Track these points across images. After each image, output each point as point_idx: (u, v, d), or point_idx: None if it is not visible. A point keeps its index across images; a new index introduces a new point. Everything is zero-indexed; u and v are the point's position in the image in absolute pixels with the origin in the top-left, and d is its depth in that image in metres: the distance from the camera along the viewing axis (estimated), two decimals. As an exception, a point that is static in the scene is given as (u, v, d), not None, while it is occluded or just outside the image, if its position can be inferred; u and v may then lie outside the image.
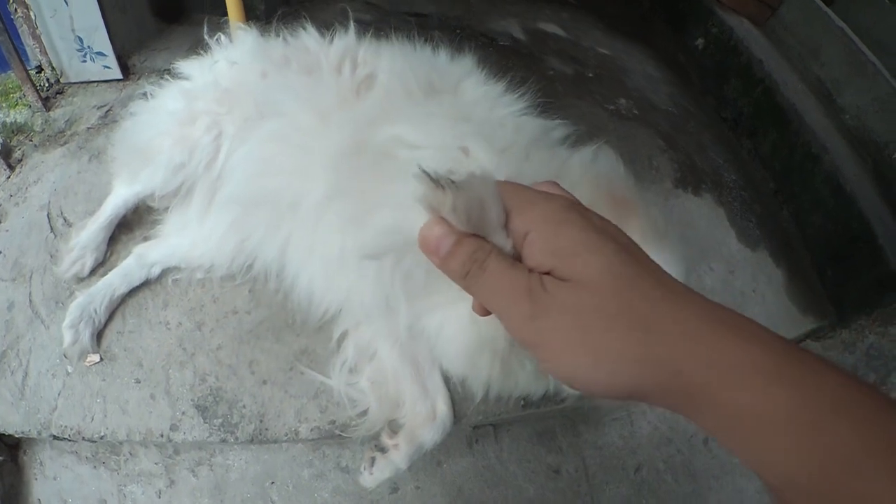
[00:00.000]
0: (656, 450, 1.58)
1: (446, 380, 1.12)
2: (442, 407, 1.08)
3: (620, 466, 1.53)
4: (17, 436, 1.20)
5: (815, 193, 1.70)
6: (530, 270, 0.37)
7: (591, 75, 1.74)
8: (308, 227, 1.02)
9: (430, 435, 1.05)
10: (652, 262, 0.38)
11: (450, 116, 1.00)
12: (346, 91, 1.06)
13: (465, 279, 0.40)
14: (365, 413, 1.08)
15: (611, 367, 0.34)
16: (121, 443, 1.26)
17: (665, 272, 0.37)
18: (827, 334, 1.68)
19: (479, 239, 0.39)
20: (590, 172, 0.98)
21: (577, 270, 0.35)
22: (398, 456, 1.03)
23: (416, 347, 1.09)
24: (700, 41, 2.03)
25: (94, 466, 1.28)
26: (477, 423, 1.40)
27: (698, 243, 1.52)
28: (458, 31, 1.25)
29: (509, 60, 1.19)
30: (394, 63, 1.07)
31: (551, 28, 1.92)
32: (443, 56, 1.13)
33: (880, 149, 1.78)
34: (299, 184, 1.02)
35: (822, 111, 1.80)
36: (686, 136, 1.75)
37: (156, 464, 1.28)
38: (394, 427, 1.08)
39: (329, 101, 1.05)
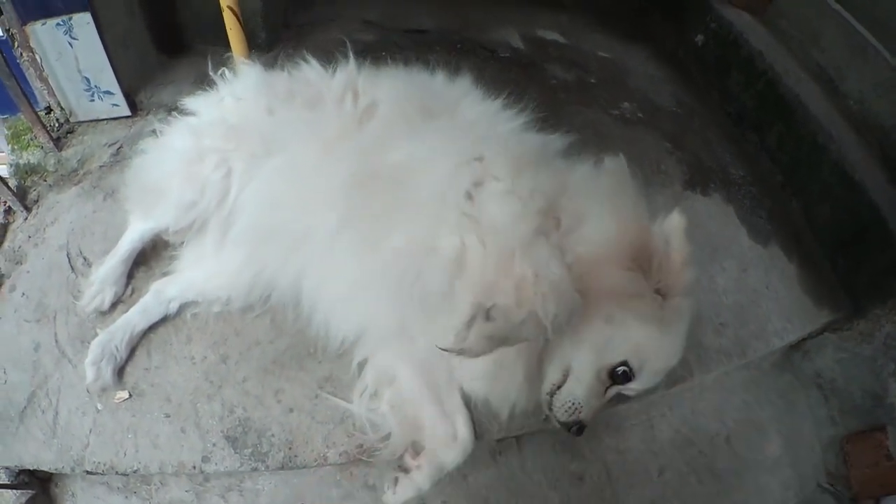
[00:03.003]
0: (679, 452, 1.59)
1: (466, 400, 1.14)
2: (462, 429, 1.10)
3: (643, 470, 1.54)
4: (50, 471, 1.24)
5: (823, 183, 1.70)
6: None
7: (593, 80, 1.75)
8: (320, 259, 1.06)
9: (450, 457, 1.08)
10: None
11: (452, 136, 1.04)
12: (349, 123, 1.09)
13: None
14: (387, 437, 1.11)
15: None
16: (153, 475, 1.29)
17: None
18: (844, 326, 1.69)
19: None
20: (597, 189, 1.00)
21: None
22: (420, 476, 1.06)
23: (435, 370, 1.12)
24: (700, 37, 2.04)
25: (126, 497, 1.31)
26: (500, 437, 1.42)
27: (710, 243, 1.53)
28: (457, 45, 1.27)
29: (511, 72, 1.20)
30: (391, 91, 1.11)
31: (550, 35, 1.93)
32: (440, 78, 1.16)
33: (886, 132, 1.77)
34: (309, 217, 1.05)
35: (825, 99, 1.80)
36: (692, 134, 1.76)
37: (186, 492, 1.31)
38: (417, 448, 1.10)
39: (332, 134, 1.08)
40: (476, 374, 1.04)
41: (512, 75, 1.19)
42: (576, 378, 0.99)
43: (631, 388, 1.01)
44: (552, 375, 1.01)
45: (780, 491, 1.68)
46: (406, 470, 1.09)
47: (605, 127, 1.36)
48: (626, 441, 1.54)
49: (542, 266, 0.88)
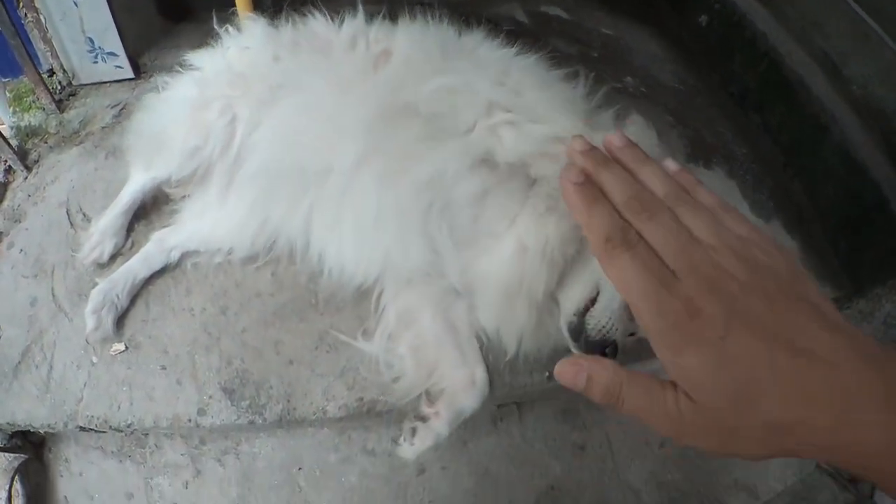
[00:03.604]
0: (680, 426, 1.59)
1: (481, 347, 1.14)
2: (480, 373, 1.09)
3: (644, 442, 1.53)
4: (42, 431, 1.22)
5: (826, 164, 1.71)
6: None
7: (595, 55, 1.77)
8: (334, 197, 1.04)
9: (469, 400, 1.07)
10: None
11: (479, 68, 1.05)
12: (363, 64, 1.09)
13: (609, 405, 0.43)
14: (398, 380, 1.10)
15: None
16: (146, 434, 1.27)
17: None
18: (843, 304, 1.68)
19: (609, 371, 0.43)
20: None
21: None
22: (439, 423, 1.04)
23: (455, 313, 1.11)
24: (703, 18, 2.04)
25: (120, 460, 1.29)
26: (501, 402, 1.41)
27: (713, 214, 1.54)
28: (462, 16, 1.28)
29: (515, 44, 1.22)
30: (406, 39, 1.10)
31: (554, 10, 1.95)
32: (453, 30, 1.16)
33: (888, 117, 1.78)
34: (327, 152, 1.04)
35: (828, 83, 1.80)
36: (694, 111, 1.76)
37: (182, 455, 1.29)
38: (430, 397, 1.09)
39: (347, 74, 1.08)
40: (495, 292, 1.01)
41: (516, 47, 1.20)
42: (612, 292, 0.94)
43: None
44: (578, 294, 0.96)
45: (781, 469, 1.67)
46: (423, 419, 1.07)
47: (609, 99, 1.36)
48: (629, 412, 1.53)
49: None
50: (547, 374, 1.19)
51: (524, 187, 1.00)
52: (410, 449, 1.06)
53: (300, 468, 1.30)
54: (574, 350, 0.99)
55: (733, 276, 0.39)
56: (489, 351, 1.13)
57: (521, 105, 0.99)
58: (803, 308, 0.38)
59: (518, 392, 1.22)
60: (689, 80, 1.89)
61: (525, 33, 1.71)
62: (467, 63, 1.06)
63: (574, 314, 0.96)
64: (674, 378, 0.40)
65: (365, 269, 1.07)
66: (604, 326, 0.93)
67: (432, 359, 1.08)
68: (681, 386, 0.39)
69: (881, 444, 0.33)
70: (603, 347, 0.94)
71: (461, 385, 1.07)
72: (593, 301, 0.95)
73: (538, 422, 1.43)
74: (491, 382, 1.11)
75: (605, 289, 0.95)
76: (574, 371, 0.45)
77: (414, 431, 1.06)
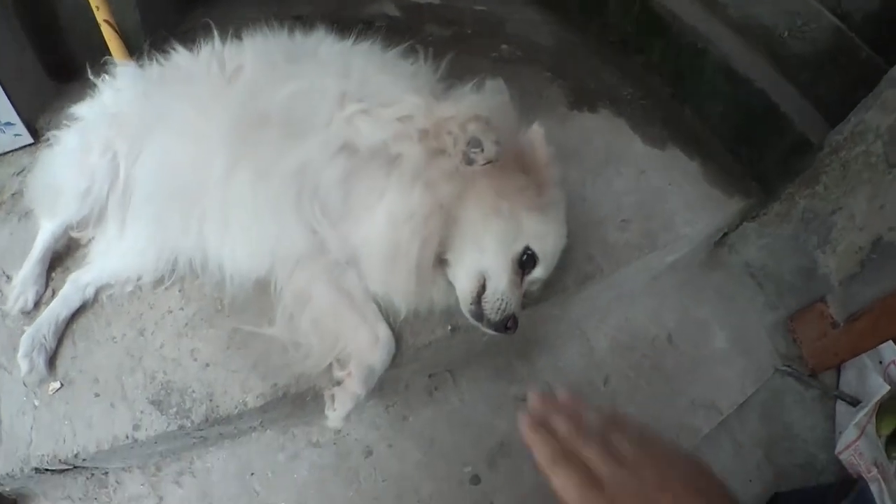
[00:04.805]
0: (621, 359, 1.71)
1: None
2: (383, 329, 1.25)
3: (587, 381, 1.66)
4: (5, 485, 1.36)
5: (711, 84, 1.87)
6: None
7: (469, 32, 1.95)
8: (217, 207, 1.23)
9: (377, 356, 1.22)
10: None
11: (321, 68, 1.25)
12: (218, 84, 1.29)
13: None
14: (307, 356, 1.24)
15: None
16: (106, 473, 1.42)
17: None
18: (760, 212, 1.83)
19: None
20: (482, 105, 1.19)
21: None
22: (353, 382, 1.18)
23: (347, 281, 1.27)
24: (571, -26, 2.24)
25: (87, 505, 1.43)
26: (432, 371, 1.55)
27: (602, 152, 1.68)
28: (335, 24, 1.45)
29: (389, 38, 1.39)
30: (255, 47, 1.31)
31: (424, -1, 2.15)
32: (298, 34, 1.36)
33: (769, 30, 1.94)
34: (199, 167, 1.23)
35: (703, 10, 1.98)
36: (573, 65, 1.94)
37: (142, 485, 1.44)
38: (341, 363, 1.23)
39: (206, 94, 1.28)
40: (377, 260, 1.20)
41: (390, 42, 1.38)
42: (496, 276, 1.17)
43: (537, 274, 1.22)
44: (468, 285, 1.19)
45: (738, 380, 1.79)
46: (338, 382, 1.21)
47: (483, 68, 1.50)
48: (563, 357, 1.66)
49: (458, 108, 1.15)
50: (450, 327, 1.34)
51: (387, 164, 1.19)
52: (334, 415, 1.20)
53: (252, 473, 1.44)
54: (483, 329, 1.20)
55: (628, 474, 0.64)
56: (388, 313, 1.28)
57: (369, 92, 1.19)
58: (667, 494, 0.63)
59: (425, 338, 1.35)
60: (568, 36, 2.07)
61: (399, 26, 1.90)
62: (311, 64, 1.26)
63: (471, 303, 1.19)
64: None
65: (258, 263, 1.25)
66: (499, 307, 1.16)
67: (333, 327, 1.23)
68: None
69: None
70: (505, 323, 1.17)
71: (366, 344, 1.22)
72: (483, 288, 1.18)
73: (473, 384, 1.57)
74: (397, 341, 1.27)
75: (489, 275, 1.18)
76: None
77: (333, 397, 1.20)
